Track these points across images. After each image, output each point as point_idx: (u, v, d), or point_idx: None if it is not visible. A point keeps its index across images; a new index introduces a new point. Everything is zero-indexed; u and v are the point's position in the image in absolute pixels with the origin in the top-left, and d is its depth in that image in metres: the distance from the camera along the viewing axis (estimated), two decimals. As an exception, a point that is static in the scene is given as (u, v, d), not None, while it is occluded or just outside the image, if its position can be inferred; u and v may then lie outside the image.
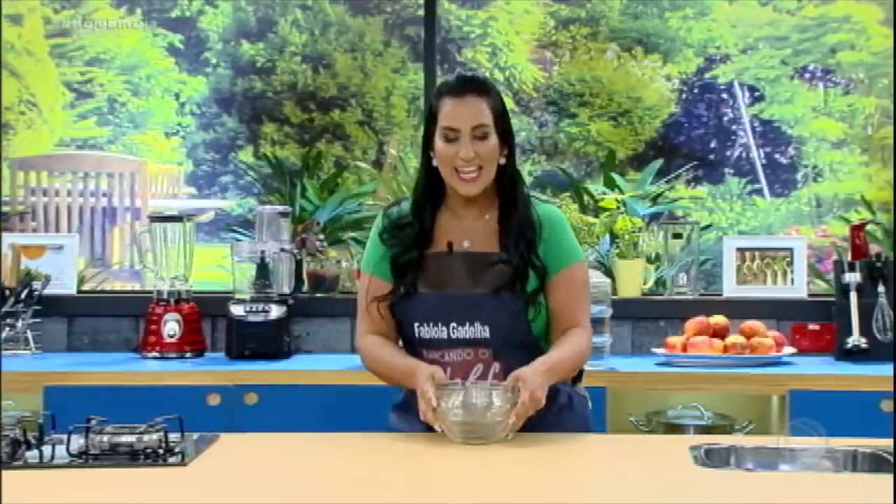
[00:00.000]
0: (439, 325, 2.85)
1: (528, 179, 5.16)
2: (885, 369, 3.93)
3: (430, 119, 2.88)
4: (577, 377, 3.05)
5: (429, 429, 2.72)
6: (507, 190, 2.91)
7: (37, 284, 4.35)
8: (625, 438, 3.11)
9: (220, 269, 5.00)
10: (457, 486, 2.35)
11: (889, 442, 2.61)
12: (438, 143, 2.84)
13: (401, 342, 2.97)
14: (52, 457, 2.51)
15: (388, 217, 2.98)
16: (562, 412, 2.91)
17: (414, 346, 2.90)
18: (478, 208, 2.93)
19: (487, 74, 5.85)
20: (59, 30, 5.93)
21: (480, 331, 2.84)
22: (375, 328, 2.96)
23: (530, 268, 2.87)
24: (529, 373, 2.69)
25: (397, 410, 2.99)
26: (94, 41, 5.95)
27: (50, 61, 5.93)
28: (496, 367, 2.85)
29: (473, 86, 2.86)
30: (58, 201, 6.01)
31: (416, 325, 2.88)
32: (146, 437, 2.55)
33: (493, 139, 2.84)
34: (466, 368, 2.85)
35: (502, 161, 2.88)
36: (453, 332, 2.85)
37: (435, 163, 2.88)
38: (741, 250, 4.51)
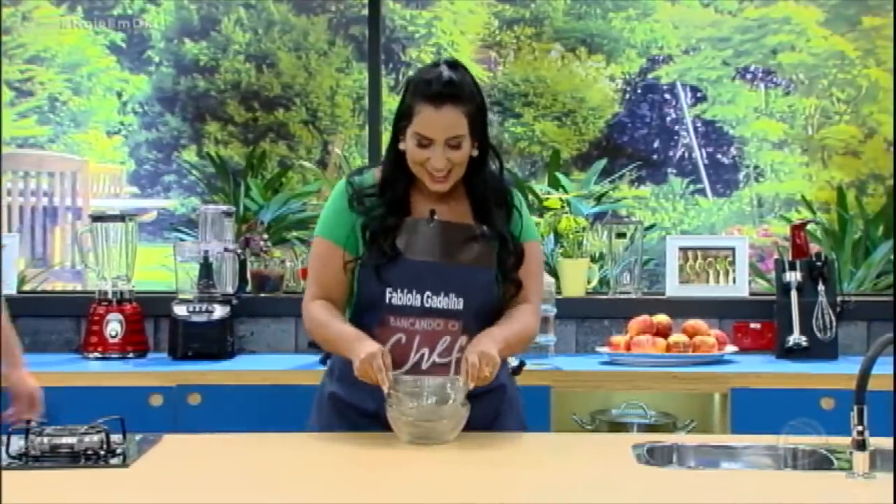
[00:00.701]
0: (413, 292, 2.81)
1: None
2: (825, 367, 3.97)
3: (404, 113, 2.80)
4: (517, 369, 3.06)
5: (371, 399, 2.76)
6: (480, 168, 2.87)
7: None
8: (569, 437, 3.13)
9: (163, 269, 4.97)
10: (402, 485, 2.35)
11: (831, 440, 2.63)
12: (410, 142, 2.78)
13: (350, 311, 2.93)
14: (-8, 459, 2.48)
15: (353, 184, 2.90)
16: (501, 405, 2.92)
17: (380, 313, 2.83)
18: (449, 193, 2.88)
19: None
20: (-1, 27, 5.86)
21: (455, 302, 2.82)
22: (325, 294, 2.90)
23: (509, 243, 2.87)
24: (479, 338, 2.73)
25: (338, 383, 2.91)
26: (34, 39, 5.89)
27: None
28: (462, 340, 2.82)
29: (451, 96, 2.75)
30: (-3, 200, 5.94)
31: (388, 290, 2.82)
32: (87, 439, 2.53)
33: (466, 145, 2.79)
34: (434, 339, 2.82)
35: (475, 153, 2.83)
36: (427, 301, 2.81)
37: (403, 146, 2.82)
38: (684, 250, 4.54)
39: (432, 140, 2.75)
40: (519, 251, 2.89)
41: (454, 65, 2.83)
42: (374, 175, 2.91)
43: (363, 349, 2.70)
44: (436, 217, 2.86)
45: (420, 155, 2.77)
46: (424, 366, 2.82)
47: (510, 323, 2.86)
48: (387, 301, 2.82)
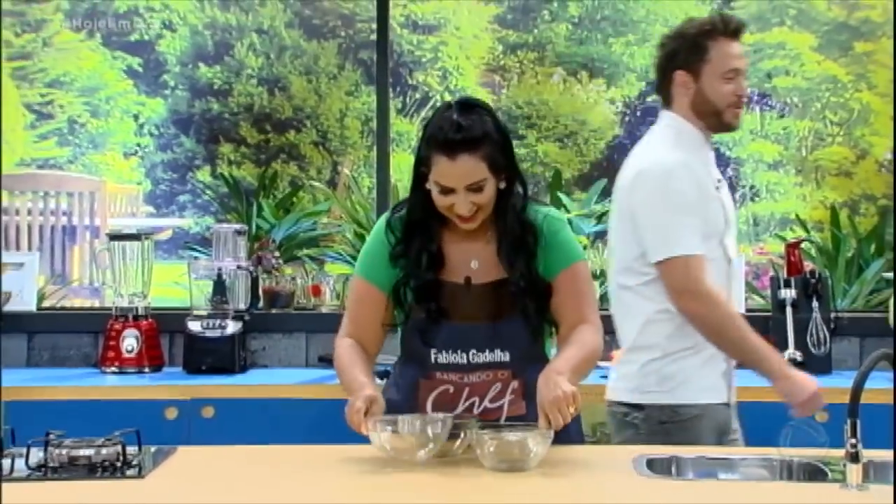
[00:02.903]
0: (459, 352, 2.77)
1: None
2: (819, 381, 3.96)
3: (422, 160, 2.69)
4: None
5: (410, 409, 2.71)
6: (501, 205, 2.76)
7: (-3, 301, 4.31)
8: (571, 448, 3.11)
9: (177, 286, 4.97)
10: (403, 492, 2.34)
11: (822, 452, 2.63)
12: (433, 189, 2.68)
13: (399, 361, 2.89)
14: (12, 470, 2.48)
15: (394, 230, 2.82)
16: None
17: (426, 370, 2.80)
18: (479, 228, 2.78)
19: (438, 98, 5.86)
20: (20, 53, 5.87)
21: (501, 356, 2.78)
22: (356, 333, 2.86)
23: (536, 285, 2.77)
24: (548, 376, 2.61)
25: (392, 407, 2.81)
26: (54, 64, 5.90)
27: (10, 83, 5.88)
28: (514, 384, 2.80)
29: (465, 143, 2.62)
30: (18, 220, 5.95)
31: (433, 351, 2.78)
32: (104, 451, 2.53)
33: (490, 187, 2.68)
34: (484, 388, 2.79)
35: (502, 185, 2.73)
36: (473, 358, 2.77)
37: (429, 186, 2.71)
38: (682, 267, 4.52)
39: (453, 189, 2.66)
40: (542, 289, 2.78)
41: (467, 106, 2.70)
42: (407, 223, 2.81)
43: (357, 399, 2.61)
44: (472, 279, 2.77)
45: (444, 201, 2.68)
46: (476, 410, 2.79)
47: (574, 350, 2.75)
48: (432, 360, 2.79)
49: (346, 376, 2.79)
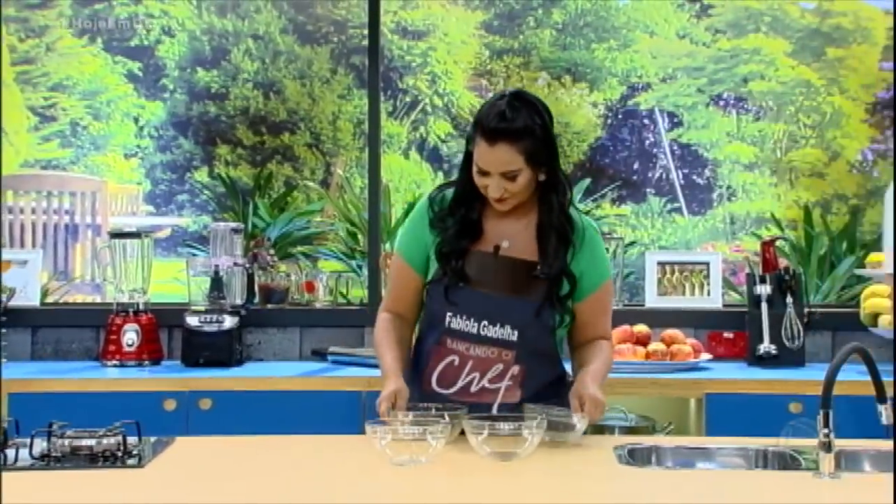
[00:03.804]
0: (472, 319, 2.77)
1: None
2: (793, 374, 3.98)
3: (469, 139, 2.75)
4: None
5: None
6: (547, 197, 2.79)
7: (2, 297, 4.29)
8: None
9: (176, 282, 4.97)
10: (394, 485, 2.34)
11: (798, 442, 2.63)
12: (474, 168, 2.73)
13: (420, 325, 2.92)
14: (16, 460, 2.48)
15: (434, 204, 2.86)
16: None
17: (440, 333, 2.81)
18: (520, 210, 2.81)
19: (428, 101, 5.85)
20: (24, 57, 5.86)
21: (510, 333, 2.77)
22: (395, 307, 2.91)
23: (565, 279, 2.78)
24: (587, 387, 2.69)
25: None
26: (57, 68, 5.89)
27: (15, 87, 5.86)
28: (515, 369, 2.79)
29: (505, 133, 2.67)
30: (22, 219, 5.94)
31: (449, 314, 2.79)
32: (105, 441, 2.52)
33: (524, 177, 2.71)
34: (487, 365, 2.79)
35: (542, 178, 2.76)
36: (483, 330, 2.77)
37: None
38: (662, 264, 4.54)
39: (489, 172, 2.71)
40: (572, 285, 2.80)
41: (518, 97, 2.74)
42: (454, 197, 2.85)
43: (383, 389, 2.71)
44: (500, 252, 2.80)
45: (480, 181, 2.73)
46: (473, 389, 2.80)
47: (603, 360, 2.83)
48: (447, 323, 2.79)
49: (378, 353, 2.86)
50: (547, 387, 2.83)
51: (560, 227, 2.79)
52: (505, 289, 2.77)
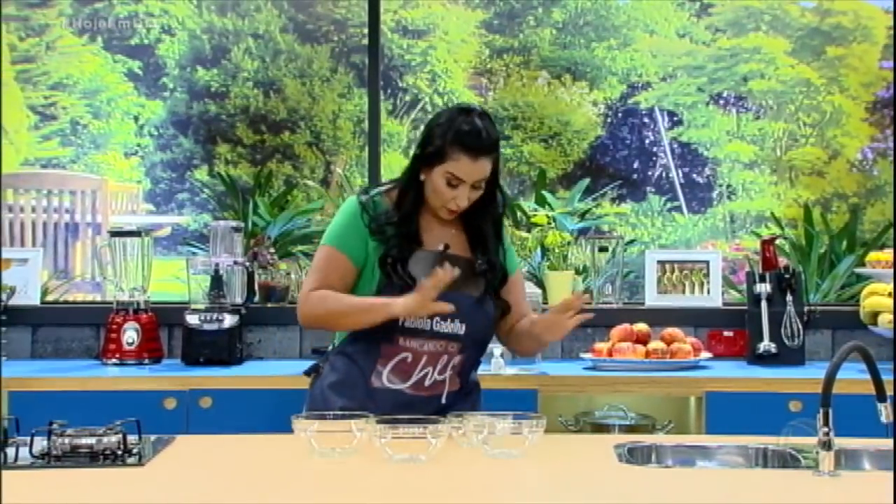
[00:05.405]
0: (425, 317, 2.88)
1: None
2: (793, 372, 3.98)
3: (435, 154, 2.89)
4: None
5: (372, 406, 2.78)
6: (486, 202, 2.99)
7: (2, 295, 4.29)
8: (554, 437, 3.12)
9: (176, 280, 4.96)
10: (391, 483, 2.34)
11: (796, 440, 2.63)
12: (438, 181, 2.90)
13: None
14: (16, 458, 2.48)
15: (368, 208, 2.97)
16: (478, 403, 3.09)
17: (392, 333, 2.91)
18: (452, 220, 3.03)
19: (427, 100, 5.86)
20: (25, 56, 5.86)
21: (459, 328, 2.93)
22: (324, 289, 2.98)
23: (498, 271, 3.03)
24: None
25: (333, 388, 2.98)
26: (57, 67, 5.89)
27: (15, 86, 5.86)
28: (457, 360, 2.95)
29: (487, 149, 2.90)
30: (23, 217, 5.94)
31: None
32: (105, 440, 2.52)
33: (484, 186, 2.94)
34: (437, 359, 2.92)
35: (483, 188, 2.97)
36: (436, 326, 2.91)
37: (423, 178, 2.94)
38: (662, 263, 4.55)
39: (463, 182, 2.89)
40: (504, 278, 3.05)
41: (482, 113, 2.95)
42: (384, 199, 2.99)
43: (403, 300, 2.81)
44: (447, 251, 2.95)
45: (448, 193, 2.91)
46: (427, 382, 2.93)
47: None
48: (400, 323, 2.89)
49: (345, 302, 2.92)
50: (472, 377, 3.06)
51: (496, 226, 3.04)
52: (452, 285, 2.87)
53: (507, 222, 3.22)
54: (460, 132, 2.88)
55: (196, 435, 3.00)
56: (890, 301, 4.04)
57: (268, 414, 3.75)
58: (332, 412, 2.70)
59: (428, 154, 2.91)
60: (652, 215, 6.06)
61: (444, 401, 2.94)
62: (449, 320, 2.91)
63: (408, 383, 2.92)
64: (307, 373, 3.15)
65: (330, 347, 3.14)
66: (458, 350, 2.94)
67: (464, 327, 2.93)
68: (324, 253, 3.01)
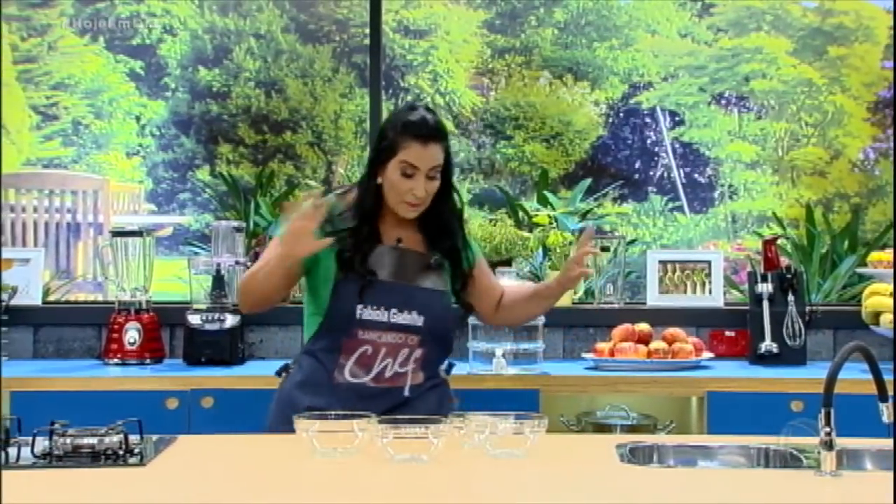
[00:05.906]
0: (382, 309, 2.99)
1: (466, 197, 5.19)
2: (795, 372, 3.98)
3: (387, 149, 3.01)
4: (448, 368, 3.23)
5: (336, 402, 2.87)
6: (442, 199, 3.09)
7: (4, 296, 4.29)
8: (556, 437, 3.12)
9: (178, 280, 4.96)
10: (391, 483, 2.34)
11: (798, 440, 2.63)
12: (394, 174, 3.00)
13: (320, 323, 3.05)
14: (18, 458, 2.48)
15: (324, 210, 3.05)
16: (444, 399, 3.13)
17: (351, 326, 2.99)
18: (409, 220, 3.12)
19: (429, 100, 5.86)
20: (26, 56, 5.86)
21: (416, 319, 3.01)
22: None
23: (460, 269, 3.14)
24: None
25: (299, 387, 3.05)
26: (59, 67, 5.89)
27: (17, 86, 5.86)
28: (417, 353, 3.02)
29: (436, 134, 3.02)
30: (24, 217, 5.94)
31: (359, 306, 2.98)
32: (107, 440, 2.52)
33: (439, 179, 3.04)
34: (396, 350, 3.00)
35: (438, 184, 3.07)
36: (392, 317, 3.00)
37: (380, 181, 3.03)
38: (663, 263, 4.55)
39: (417, 169, 2.98)
40: (466, 277, 3.16)
41: (429, 109, 3.09)
42: (338, 200, 3.08)
43: (283, 235, 2.93)
44: (401, 245, 3.06)
45: (405, 185, 2.99)
46: (388, 374, 3.01)
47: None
48: (357, 316, 2.98)
49: (264, 269, 3.04)
50: (436, 372, 3.13)
51: (458, 220, 3.16)
52: (408, 277, 3.03)
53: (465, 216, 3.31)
54: (408, 122, 3.01)
55: (198, 435, 3.01)
56: (891, 301, 4.04)
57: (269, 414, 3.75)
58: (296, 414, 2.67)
59: (381, 150, 3.03)
60: (653, 215, 6.06)
61: (406, 393, 3.02)
62: (406, 311, 3.00)
63: (369, 376, 2.99)
64: (278, 373, 3.21)
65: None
66: (419, 343, 3.02)
67: (422, 319, 3.01)
68: (270, 244, 3.16)
